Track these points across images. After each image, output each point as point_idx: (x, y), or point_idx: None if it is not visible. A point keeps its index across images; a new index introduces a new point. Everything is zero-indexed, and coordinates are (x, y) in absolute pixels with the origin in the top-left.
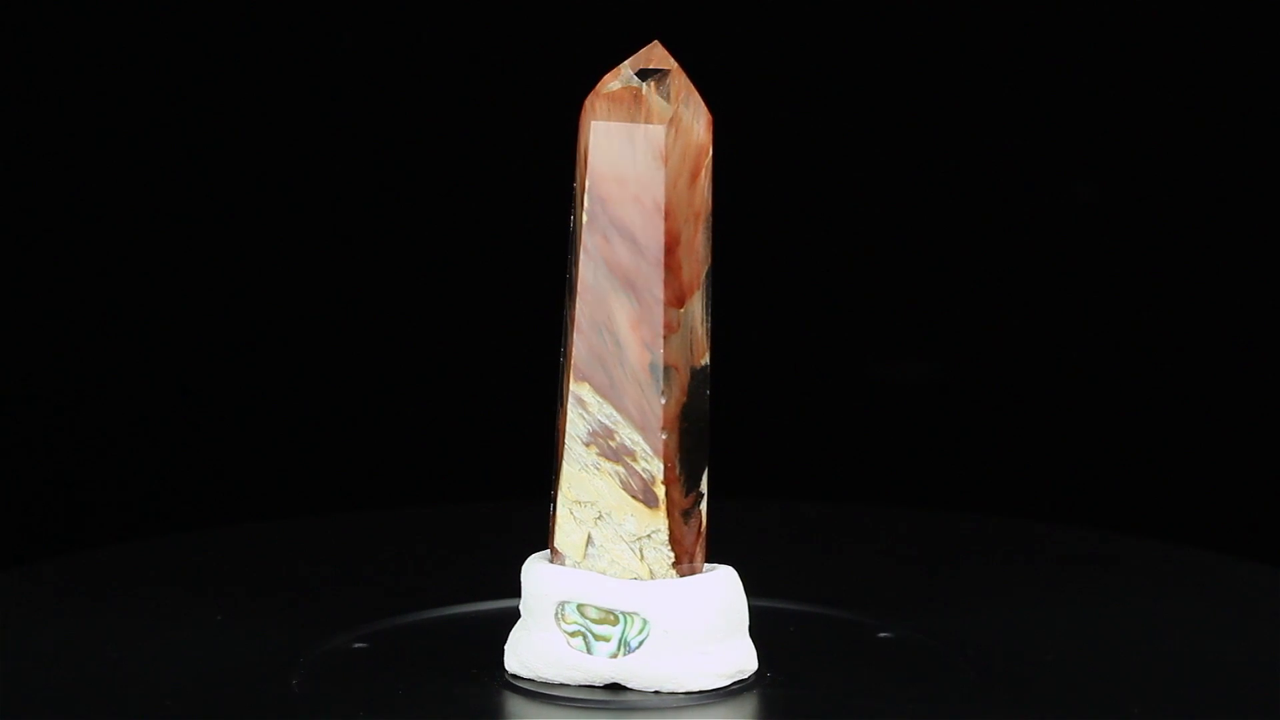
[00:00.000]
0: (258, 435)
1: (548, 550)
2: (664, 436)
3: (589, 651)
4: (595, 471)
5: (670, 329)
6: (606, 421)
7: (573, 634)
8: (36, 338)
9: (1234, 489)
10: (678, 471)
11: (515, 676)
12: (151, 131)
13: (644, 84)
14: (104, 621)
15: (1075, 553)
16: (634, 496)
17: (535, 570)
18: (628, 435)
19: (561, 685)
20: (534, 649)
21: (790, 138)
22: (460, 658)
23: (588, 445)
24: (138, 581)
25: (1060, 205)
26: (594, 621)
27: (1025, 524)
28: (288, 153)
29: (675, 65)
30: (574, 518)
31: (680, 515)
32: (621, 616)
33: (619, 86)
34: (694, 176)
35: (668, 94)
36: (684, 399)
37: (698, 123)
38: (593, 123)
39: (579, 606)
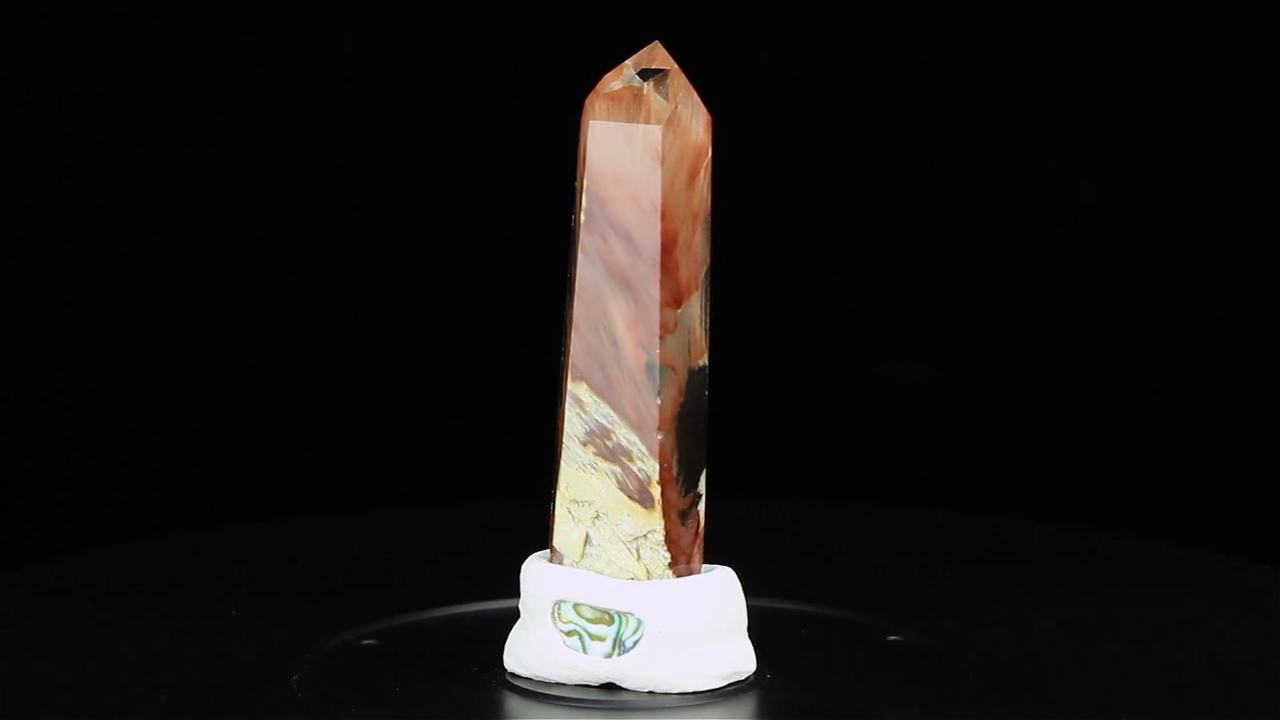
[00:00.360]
0: (258, 435)
1: (548, 550)
2: (660, 437)
3: (584, 651)
4: (592, 471)
5: (667, 329)
6: (603, 421)
7: (568, 633)
8: (37, 338)
9: (1234, 489)
10: (674, 472)
11: (514, 675)
12: (151, 131)
13: (645, 84)
14: (104, 621)
15: (1075, 553)
16: (630, 496)
17: (534, 569)
18: (624, 435)
19: (558, 685)
20: (531, 648)
21: (790, 138)
22: (460, 657)
23: (585, 445)
24: (139, 581)
25: (1060, 205)
26: (589, 621)
27: (1025, 524)
28: (288, 153)
29: (675, 65)
30: (572, 517)
31: (677, 516)
32: (616, 616)
33: (620, 86)
34: (692, 177)
35: (666, 94)
36: (681, 399)
37: (697, 123)
38: (591, 122)
39: (575, 606)
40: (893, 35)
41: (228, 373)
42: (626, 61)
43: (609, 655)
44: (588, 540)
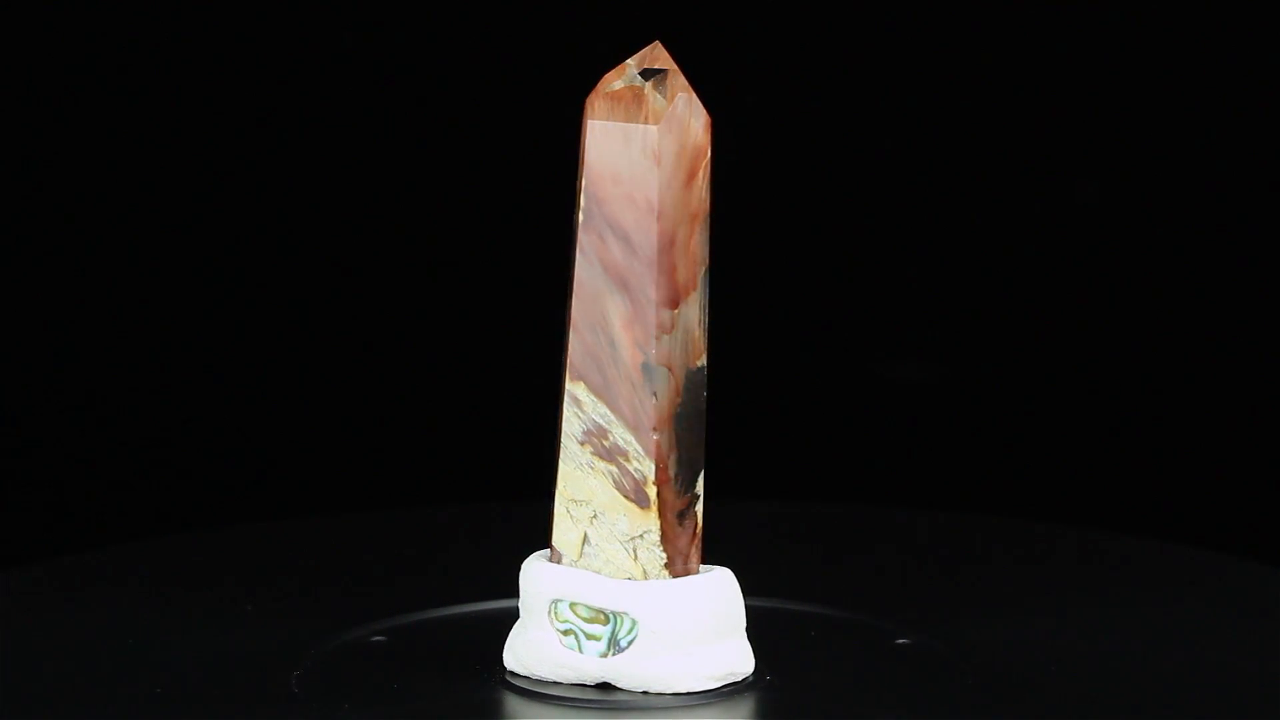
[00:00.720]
0: (258, 435)
1: (548, 549)
2: (656, 437)
3: (580, 650)
4: (590, 470)
5: (664, 329)
6: (600, 421)
7: (565, 632)
8: (37, 338)
9: (1234, 489)
10: (671, 472)
11: (512, 674)
12: (151, 131)
13: (645, 83)
14: (104, 621)
15: (1076, 553)
16: (626, 496)
17: (532, 568)
18: (621, 435)
19: (554, 684)
20: (529, 647)
21: (790, 138)
22: (460, 656)
23: (583, 444)
24: (139, 581)
25: (1061, 205)
26: (585, 620)
27: (1025, 524)
28: (288, 153)
29: (674, 66)
30: (571, 517)
31: (673, 516)
32: (612, 616)
33: (621, 85)
34: (690, 177)
35: (665, 94)
36: (678, 400)
37: (695, 123)
38: (590, 122)
39: (571, 605)
40: (893, 35)
41: (229, 373)
42: (628, 61)
43: (604, 655)
44: (586, 540)
